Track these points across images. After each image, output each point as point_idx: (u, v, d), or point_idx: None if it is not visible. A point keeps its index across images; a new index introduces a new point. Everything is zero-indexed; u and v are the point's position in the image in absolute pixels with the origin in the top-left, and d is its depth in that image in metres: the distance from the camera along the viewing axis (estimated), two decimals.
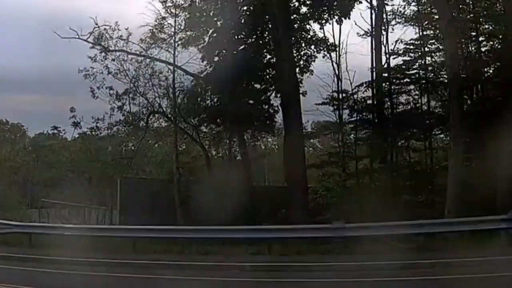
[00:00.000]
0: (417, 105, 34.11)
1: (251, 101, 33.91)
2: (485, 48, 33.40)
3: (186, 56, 34.24)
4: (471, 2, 33.86)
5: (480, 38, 33.34)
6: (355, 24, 35.51)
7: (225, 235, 23.27)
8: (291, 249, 21.62)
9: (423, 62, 34.03)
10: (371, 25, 35.17)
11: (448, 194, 25.40)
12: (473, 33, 33.21)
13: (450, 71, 27.40)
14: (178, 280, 17.31)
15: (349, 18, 34.37)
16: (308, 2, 33.83)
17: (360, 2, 34.07)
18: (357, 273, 16.99)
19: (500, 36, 31.66)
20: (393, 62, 34.79)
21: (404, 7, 34.85)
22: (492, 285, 14.58)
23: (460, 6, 33.20)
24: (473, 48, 33.60)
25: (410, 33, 35.85)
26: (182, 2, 34.10)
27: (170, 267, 19.03)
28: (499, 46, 32.34)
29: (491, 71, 33.22)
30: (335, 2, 33.53)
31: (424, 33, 34.32)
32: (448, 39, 27.77)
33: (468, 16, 33.41)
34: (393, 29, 35.52)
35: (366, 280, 15.91)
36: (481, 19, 33.21)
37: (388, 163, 33.51)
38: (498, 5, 32.86)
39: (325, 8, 33.77)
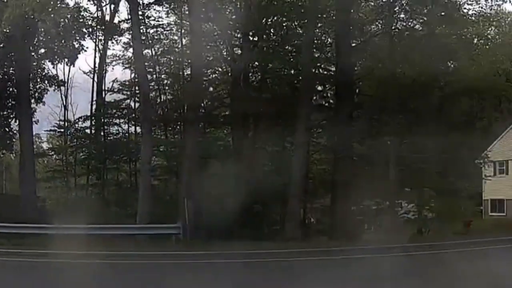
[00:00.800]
0: (126, 134, 40.16)
1: None
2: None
3: None
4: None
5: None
6: (79, 69, 43.02)
7: None
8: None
9: (133, 100, 39.46)
10: (94, 66, 40.59)
11: (139, 206, 30.60)
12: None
13: (143, 115, 33.57)
14: None
15: (73, 66, 39.71)
16: (43, 45, 37.22)
17: (85, 51, 38.56)
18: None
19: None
20: (111, 98, 40.23)
21: (123, 52, 39.92)
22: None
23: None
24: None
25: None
26: None
27: None
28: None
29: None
30: (64, 52, 37.21)
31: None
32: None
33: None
34: (113, 69, 41.17)
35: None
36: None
37: (102, 181, 38.65)
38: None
39: (56, 52, 37.40)
